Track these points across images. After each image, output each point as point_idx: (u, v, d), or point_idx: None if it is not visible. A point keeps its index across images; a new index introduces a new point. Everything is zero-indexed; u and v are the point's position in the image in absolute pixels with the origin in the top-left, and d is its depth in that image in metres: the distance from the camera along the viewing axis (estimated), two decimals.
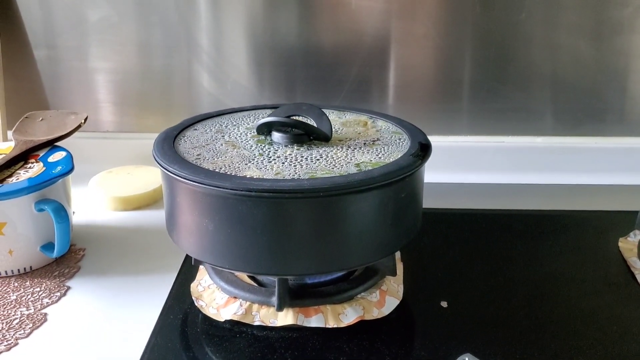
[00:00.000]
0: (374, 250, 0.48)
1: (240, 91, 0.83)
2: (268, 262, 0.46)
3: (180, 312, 0.53)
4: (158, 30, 0.81)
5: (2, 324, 0.53)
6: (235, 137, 0.54)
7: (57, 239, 0.58)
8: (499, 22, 0.78)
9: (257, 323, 0.50)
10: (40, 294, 0.57)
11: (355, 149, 0.52)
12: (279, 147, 0.51)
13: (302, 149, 0.51)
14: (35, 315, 0.54)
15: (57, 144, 0.66)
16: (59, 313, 0.54)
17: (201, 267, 0.57)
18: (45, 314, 0.54)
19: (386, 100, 0.82)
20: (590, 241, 0.65)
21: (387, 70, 0.81)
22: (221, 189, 0.44)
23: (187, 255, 0.62)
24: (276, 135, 0.52)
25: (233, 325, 0.51)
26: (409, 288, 0.55)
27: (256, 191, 0.44)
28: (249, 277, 0.54)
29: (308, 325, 0.50)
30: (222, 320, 0.51)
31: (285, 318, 0.50)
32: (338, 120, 0.59)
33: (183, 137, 0.54)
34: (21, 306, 0.55)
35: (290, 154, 0.50)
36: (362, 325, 0.50)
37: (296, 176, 0.46)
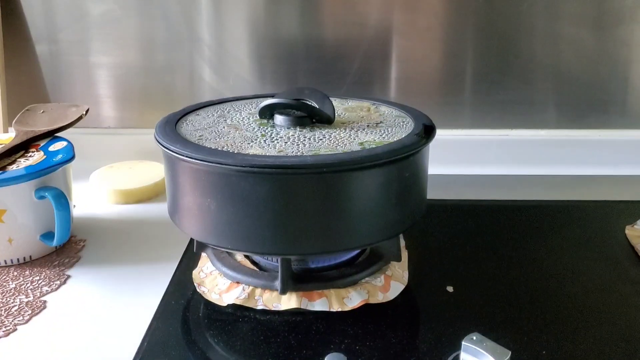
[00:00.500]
0: (378, 230, 0.48)
1: (243, 85, 0.82)
2: (271, 241, 0.45)
3: (181, 298, 0.53)
4: (160, 24, 0.81)
5: (1, 311, 0.52)
6: (238, 121, 0.54)
7: (57, 226, 0.57)
8: (501, 13, 0.78)
9: (260, 307, 0.49)
10: (39, 282, 0.56)
11: (358, 130, 0.51)
12: (281, 129, 0.51)
13: (305, 131, 0.50)
14: (34, 303, 0.53)
15: (58, 134, 0.66)
16: (59, 300, 0.54)
17: (203, 254, 0.57)
18: (45, 302, 0.53)
19: (388, 93, 0.82)
20: (596, 229, 0.65)
21: (389, 62, 0.81)
22: (224, 166, 0.44)
23: (188, 245, 0.61)
24: (279, 118, 0.52)
25: (236, 309, 0.50)
26: (414, 274, 0.55)
27: (259, 167, 0.43)
28: (252, 263, 0.54)
29: (312, 309, 0.49)
30: (225, 304, 0.50)
31: (289, 302, 0.49)
32: (341, 106, 0.59)
33: (185, 121, 0.54)
34: (20, 294, 0.54)
35: (293, 135, 0.49)
36: (366, 309, 0.49)
37: (299, 154, 0.45)
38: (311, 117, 0.52)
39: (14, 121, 0.67)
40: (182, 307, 0.51)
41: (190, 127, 0.52)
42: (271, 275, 0.51)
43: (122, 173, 0.76)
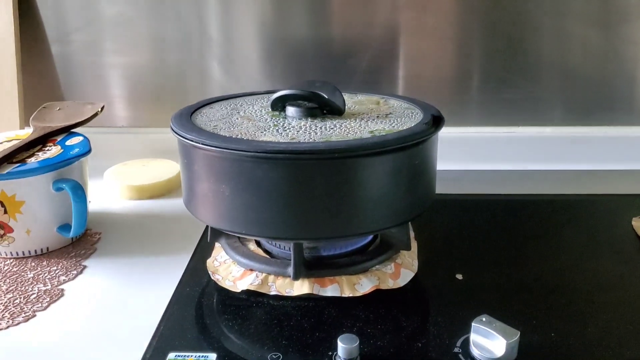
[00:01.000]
0: (388, 216, 0.49)
1: (253, 83, 0.84)
2: (283, 226, 0.46)
3: (196, 285, 0.54)
4: (171, 25, 0.83)
5: (20, 298, 0.53)
6: (251, 113, 0.55)
7: (75, 218, 0.59)
8: (508, 12, 0.79)
9: (273, 293, 0.50)
10: (57, 272, 0.57)
11: (368, 120, 0.52)
12: (293, 120, 0.52)
13: (316, 121, 0.52)
14: (52, 291, 0.54)
15: (74, 130, 0.67)
16: (76, 289, 0.55)
17: (217, 244, 0.58)
18: (62, 290, 0.55)
19: (396, 91, 0.83)
20: (604, 221, 0.66)
21: (397, 61, 0.82)
22: (237, 152, 0.45)
23: (201, 237, 0.62)
24: (290, 110, 0.53)
25: (249, 295, 0.51)
26: (423, 263, 0.55)
27: (272, 153, 0.44)
28: (265, 251, 0.55)
29: (324, 295, 0.50)
30: (239, 290, 0.51)
31: (301, 288, 0.50)
32: (350, 100, 0.60)
33: (199, 113, 0.55)
34: (38, 283, 0.56)
35: (304, 125, 0.50)
36: (377, 295, 0.50)
37: (311, 141, 0.46)
38: (322, 108, 0.53)
39: (31, 118, 0.69)
40: (197, 294, 0.52)
41: (205, 119, 0.53)
42: (284, 262, 0.52)
43: (135, 170, 0.78)
